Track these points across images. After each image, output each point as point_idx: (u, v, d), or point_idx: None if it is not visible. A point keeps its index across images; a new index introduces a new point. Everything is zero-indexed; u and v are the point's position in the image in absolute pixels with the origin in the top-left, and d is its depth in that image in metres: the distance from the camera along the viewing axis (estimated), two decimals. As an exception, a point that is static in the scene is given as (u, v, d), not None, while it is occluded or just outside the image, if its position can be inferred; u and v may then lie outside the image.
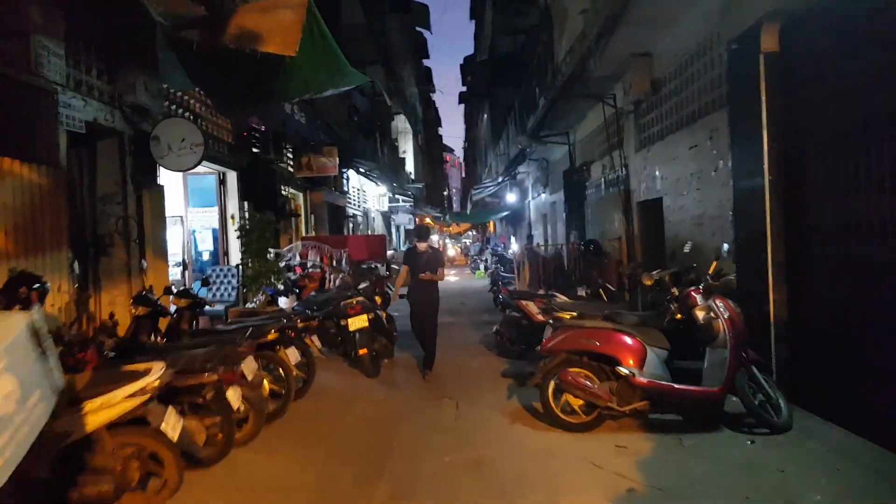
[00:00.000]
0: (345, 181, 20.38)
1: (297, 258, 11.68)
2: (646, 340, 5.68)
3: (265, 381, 5.74)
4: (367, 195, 26.44)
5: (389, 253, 23.81)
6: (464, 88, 44.58)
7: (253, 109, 8.02)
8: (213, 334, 5.90)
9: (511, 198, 27.56)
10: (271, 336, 5.97)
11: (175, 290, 6.90)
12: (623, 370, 5.51)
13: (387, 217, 31.23)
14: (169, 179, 11.15)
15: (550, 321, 7.09)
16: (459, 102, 45.85)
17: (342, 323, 7.82)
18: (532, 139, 15.11)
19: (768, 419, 5.40)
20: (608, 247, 11.53)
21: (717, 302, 5.65)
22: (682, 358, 5.87)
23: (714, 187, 7.66)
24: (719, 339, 5.57)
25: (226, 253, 11.40)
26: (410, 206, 32.51)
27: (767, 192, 5.84)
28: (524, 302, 8.72)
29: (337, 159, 13.92)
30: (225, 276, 11.11)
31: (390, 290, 15.81)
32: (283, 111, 10.60)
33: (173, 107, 8.52)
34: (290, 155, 13.84)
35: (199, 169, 10.90)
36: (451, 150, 75.38)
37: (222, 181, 11.32)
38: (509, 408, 6.58)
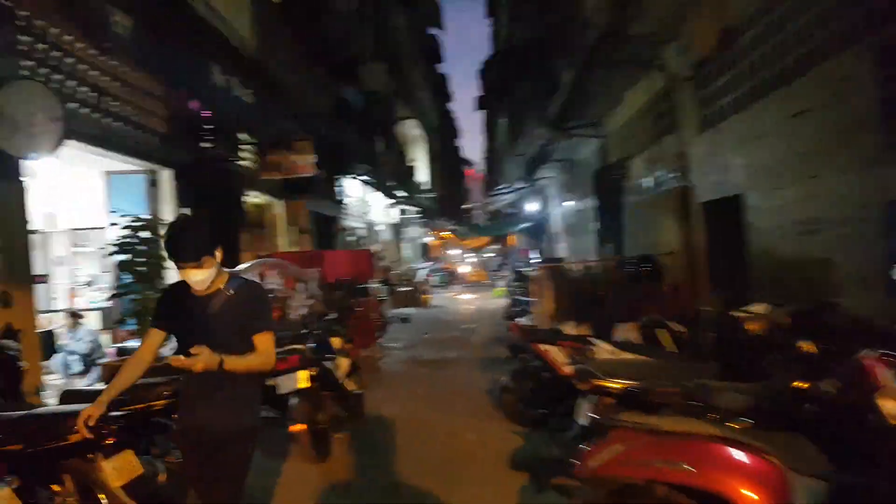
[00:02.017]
0: (339, 189, 17.75)
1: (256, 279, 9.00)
2: (787, 460, 2.84)
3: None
4: (371, 206, 23.79)
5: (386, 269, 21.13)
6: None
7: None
8: None
9: (531, 207, 24.71)
10: (75, 438, 3.25)
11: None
12: (745, 527, 2.68)
13: (397, 230, 28.56)
14: (86, 180, 8.73)
15: (584, 392, 4.26)
16: (478, 108, 43.07)
17: (268, 382, 5.08)
18: (555, 130, 12.34)
19: None
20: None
21: (927, 382, 2.80)
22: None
23: (842, 172, 4.83)
24: (938, 459, 2.72)
25: (157, 274, 8.81)
26: (421, 218, 29.80)
27: None
28: (544, 347, 5.91)
29: (312, 157, 11.23)
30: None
31: (385, 317, 13.13)
32: (214, 86, 7.94)
33: (42, 70, 5.91)
34: (248, 150, 11.17)
35: (125, 166, 8.41)
36: (471, 164, 72.87)
37: (154, 182, 8.75)
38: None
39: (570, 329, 7.57)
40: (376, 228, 24.36)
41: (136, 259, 5.83)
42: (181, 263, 2.93)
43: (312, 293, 8.97)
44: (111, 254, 6.01)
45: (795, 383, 3.38)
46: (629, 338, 6.41)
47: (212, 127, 9.28)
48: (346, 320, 7.80)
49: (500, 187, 27.14)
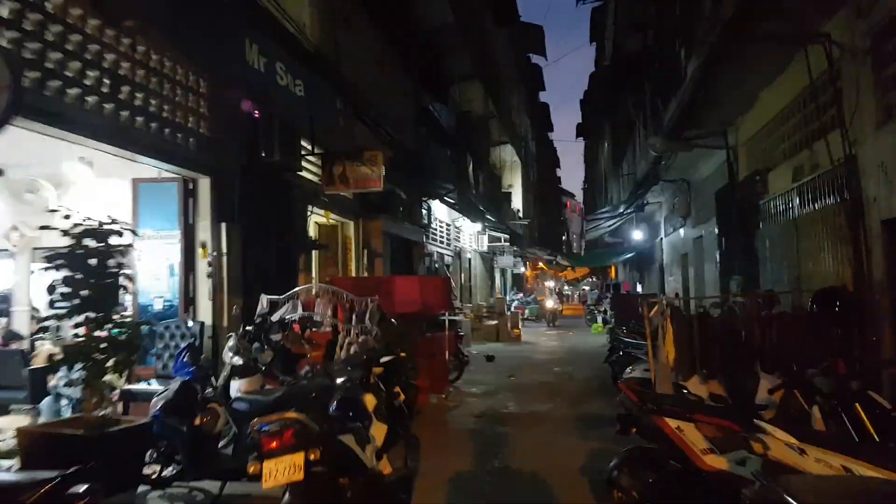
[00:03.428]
0: (424, 211, 16.40)
1: (299, 310, 7.62)
2: None
3: None
4: (461, 232, 22.30)
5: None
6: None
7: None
8: None
9: (637, 235, 22.37)
10: None
11: None
12: None
13: (488, 259, 26.92)
14: (113, 187, 7.74)
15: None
16: (577, 136, 41.19)
17: (249, 469, 3.46)
18: (671, 141, 10.33)
19: None
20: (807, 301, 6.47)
21: None
22: None
23: None
24: None
25: (190, 300, 7.62)
26: (514, 247, 27.96)
27: None
28: (674, 423, 4.01)
29: (383, 169, 9.84)
30: (182, 336, 7.42)
31: (464, 355, 11.30)
32: (269, 80, 6.68)
33: (32, 45, 4.83)
34: (311, 160, 9.90)
35: (157, 172, 7.35)
36: (571, 195, 70.79)
37: (190, 192, 7.62)
38: None
39: (694, 386, 5.67)
40: (465, 256, 22.83)
41: (82, 278, 4.32)
42: None
43: (367, 327, 7.45)
44: (45, 269, 4.51)
45: None
46: (773, 400, 4.41)
47: (265, 129, 8.11)
48: (405, 363, 6.19)
49: (601, 211, 24.96)
